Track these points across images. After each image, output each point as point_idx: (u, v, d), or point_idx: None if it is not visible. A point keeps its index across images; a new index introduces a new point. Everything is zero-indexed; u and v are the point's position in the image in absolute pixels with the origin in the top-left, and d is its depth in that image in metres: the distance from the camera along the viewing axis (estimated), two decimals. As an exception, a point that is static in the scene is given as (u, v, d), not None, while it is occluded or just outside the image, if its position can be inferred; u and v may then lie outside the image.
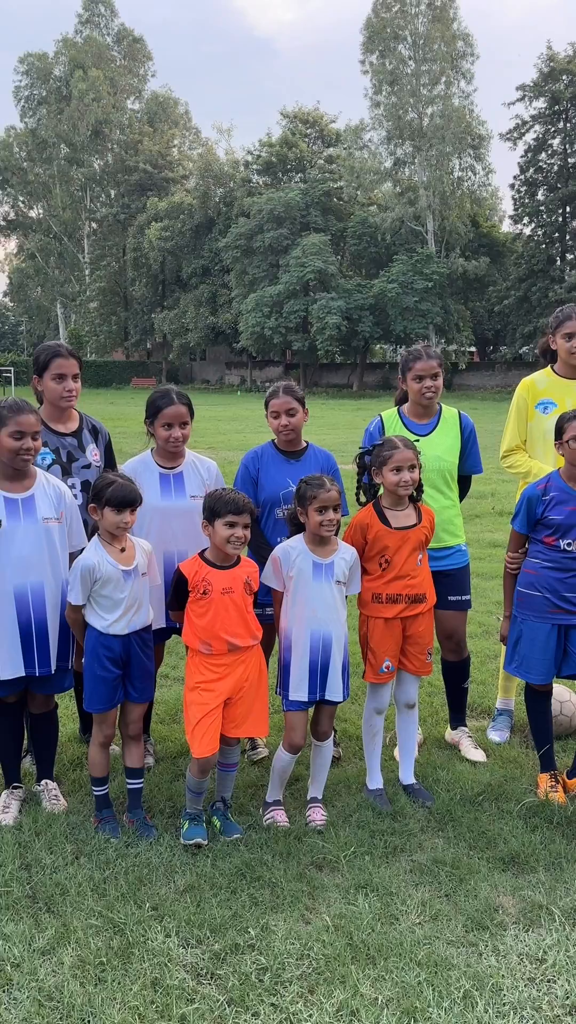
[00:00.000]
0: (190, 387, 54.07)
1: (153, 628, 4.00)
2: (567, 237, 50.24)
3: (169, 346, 59.77)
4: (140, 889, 3.40)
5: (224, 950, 3.07)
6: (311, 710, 4.03)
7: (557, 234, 50.22)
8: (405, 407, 4.59)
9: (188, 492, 4.27)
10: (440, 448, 4.47)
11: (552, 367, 4.73)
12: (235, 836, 3.78)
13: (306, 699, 3.91)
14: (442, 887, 3.46)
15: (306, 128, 58.63)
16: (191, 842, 3.70)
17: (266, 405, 4.44)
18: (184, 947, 3.09)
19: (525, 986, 2.92)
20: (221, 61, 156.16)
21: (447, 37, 49.51)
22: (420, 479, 4.06)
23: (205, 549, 3.84)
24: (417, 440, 4.20)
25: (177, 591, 3.82)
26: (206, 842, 3.72)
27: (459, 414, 4.60)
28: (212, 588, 3.73)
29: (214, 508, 3.71)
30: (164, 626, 4.21)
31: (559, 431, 4.08)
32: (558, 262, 50.06)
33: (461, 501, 4.67)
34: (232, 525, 3.68)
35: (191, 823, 3.80)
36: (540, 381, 4.73)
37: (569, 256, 50.15)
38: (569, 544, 4.07)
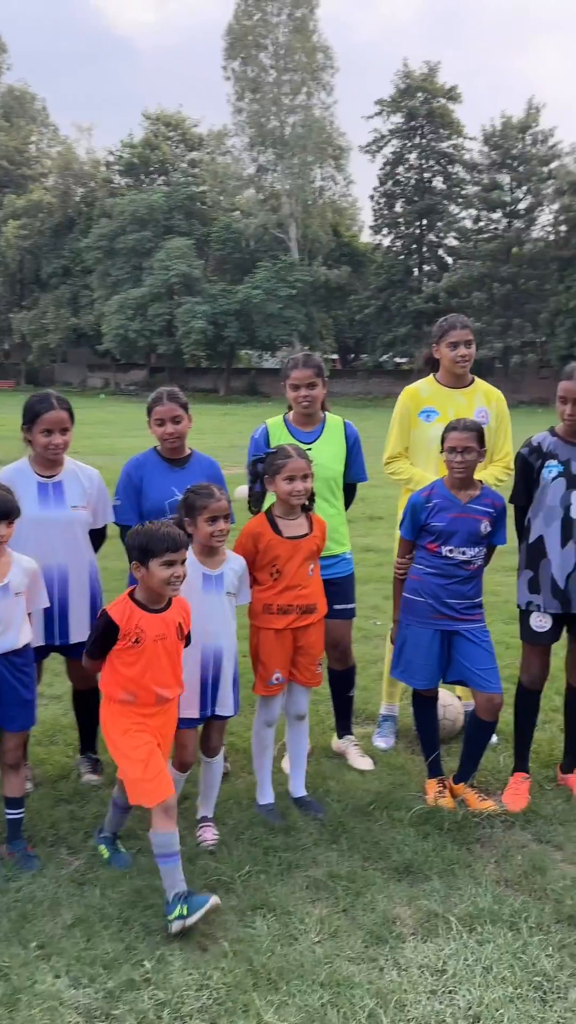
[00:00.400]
0: (52, 389, 52.40)
1: (32, 646, 3.76)
2: (424, 249, 51.94)
3: (28, 347, 57.73)
4: (24, 927, 3.19)
5: (119, 987, 2.90)
6: (200, 726, 3.91)
7: (415, 246, 51.84)
8: (290, 415, 4.54)
9: (68, 502, 4.06)
10: (325, 456, 4.43)
11: (435, 376, 4.80)
12: (124, 867, 3.56)
13: (197, 716, 3.78)
14: (339, 902, 3.41)
15: (169, 131, 58.02)
16: (205, 908, 3.18)
17: (149, 412, 4.28)
18: (75, 987, 2.91)
19: (428, 999, 2.90)
20: (79, 58, 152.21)
21: (307, 48, 50.21)
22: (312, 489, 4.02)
23: (133, 588, 3.47)
24: (309, 448, 4.15)
25: (104, 639, 3.37)
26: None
27: (344, 423, 4.58)
28: (145, 636, 3.35)
29: (147, 547, 3.29)
30: (43, 644, 4.00)
31: (443, 440, 4.13)
32: (415, 273, 51.67)
33: (347, 510, 4.67)
34: (171, 564, 3.30)
35: (183, 903, 3.17)
36: (423, 389, 4.78)
37: (426, 267, 51.85)
38: (451, 551, 4.12)
